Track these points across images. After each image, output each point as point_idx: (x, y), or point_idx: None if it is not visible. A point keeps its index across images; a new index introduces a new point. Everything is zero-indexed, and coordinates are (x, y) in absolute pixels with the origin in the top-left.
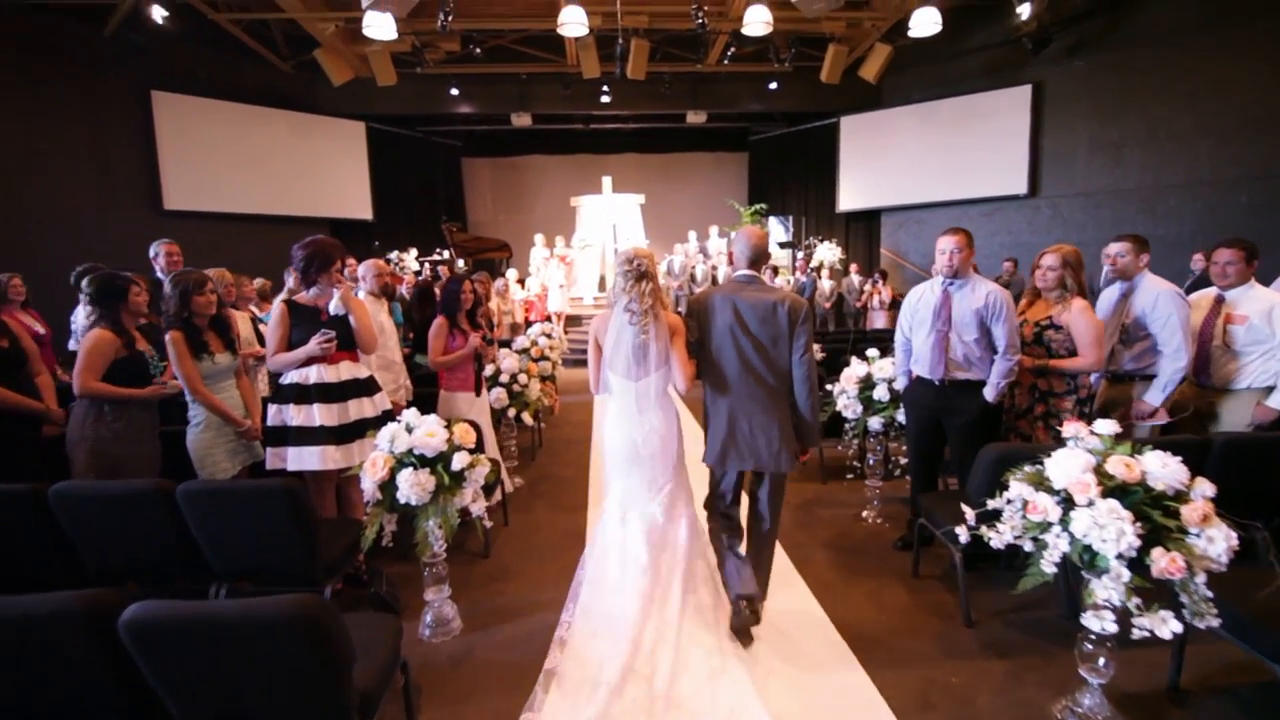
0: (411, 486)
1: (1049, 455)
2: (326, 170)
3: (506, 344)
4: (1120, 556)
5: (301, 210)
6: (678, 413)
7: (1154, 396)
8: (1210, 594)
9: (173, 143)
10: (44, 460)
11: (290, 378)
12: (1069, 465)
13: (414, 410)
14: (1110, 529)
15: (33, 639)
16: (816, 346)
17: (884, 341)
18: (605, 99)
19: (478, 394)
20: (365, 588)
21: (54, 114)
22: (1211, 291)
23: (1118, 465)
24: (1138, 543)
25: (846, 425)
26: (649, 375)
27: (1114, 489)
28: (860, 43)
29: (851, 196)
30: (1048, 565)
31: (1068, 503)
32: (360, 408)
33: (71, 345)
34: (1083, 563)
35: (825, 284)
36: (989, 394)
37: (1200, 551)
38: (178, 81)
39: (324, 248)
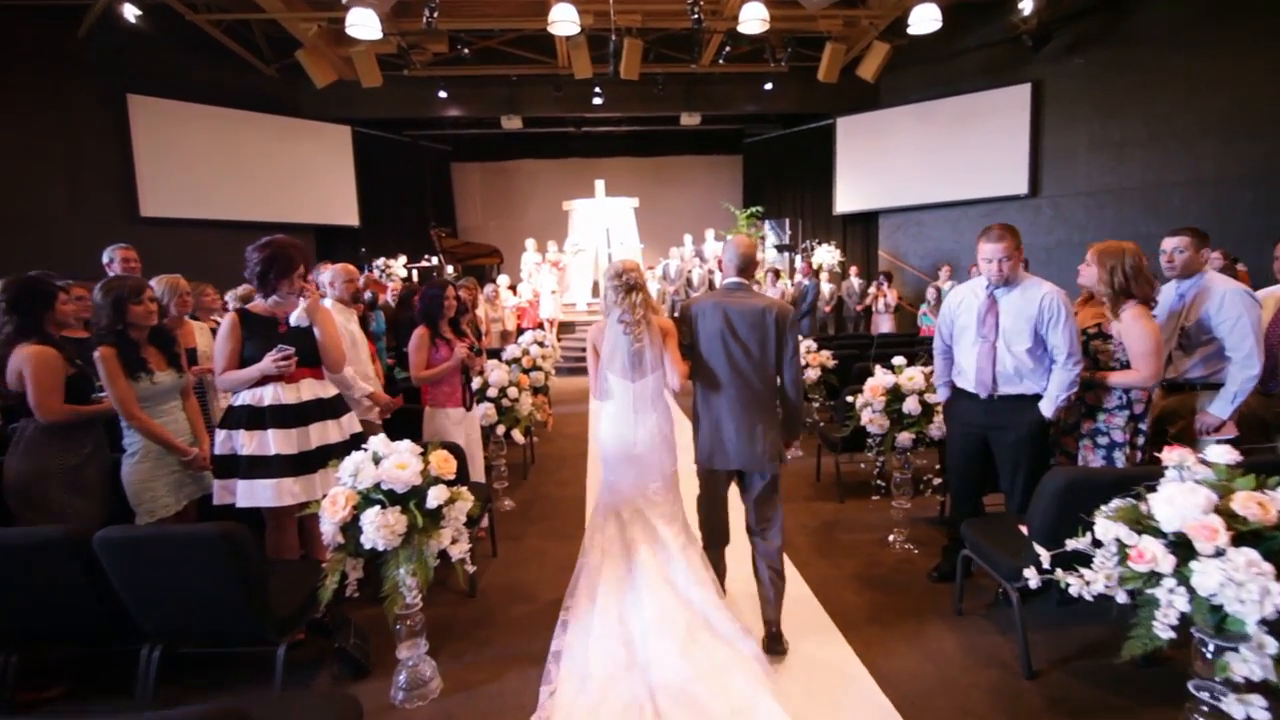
0: (378, 529)
1: (1146, 487)
2: (311, 175)
3: (496, 354)
4: (1264, 622)
5: (286, 217)
6: (672, 416)
7: (1221, 408)
8: None
9: (150, 148)
10: None
11: (242, 399)
12: (1183, 503)
13: (382, 437)
14: (1251, 588)
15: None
16: (826, 353)
17: (908, 346)
18: (597, 101)
19: (468, 409)
20: (331, 638)
21: (23, 117)
22: (1278, 290)
23: (1249, 504)
24: None
25: (870, 440)
26: (645, 377)
27: (1246, 534)
28: (857, 41)
29: (849, 198)
30: (1163, 629)
31: (1182, 549)
32: (324, 432)
33: None
34: (1207, 625)
35: (825, 287)
36: (1046, 409)
37: None
38: (155, 85)
39: (284, 249)
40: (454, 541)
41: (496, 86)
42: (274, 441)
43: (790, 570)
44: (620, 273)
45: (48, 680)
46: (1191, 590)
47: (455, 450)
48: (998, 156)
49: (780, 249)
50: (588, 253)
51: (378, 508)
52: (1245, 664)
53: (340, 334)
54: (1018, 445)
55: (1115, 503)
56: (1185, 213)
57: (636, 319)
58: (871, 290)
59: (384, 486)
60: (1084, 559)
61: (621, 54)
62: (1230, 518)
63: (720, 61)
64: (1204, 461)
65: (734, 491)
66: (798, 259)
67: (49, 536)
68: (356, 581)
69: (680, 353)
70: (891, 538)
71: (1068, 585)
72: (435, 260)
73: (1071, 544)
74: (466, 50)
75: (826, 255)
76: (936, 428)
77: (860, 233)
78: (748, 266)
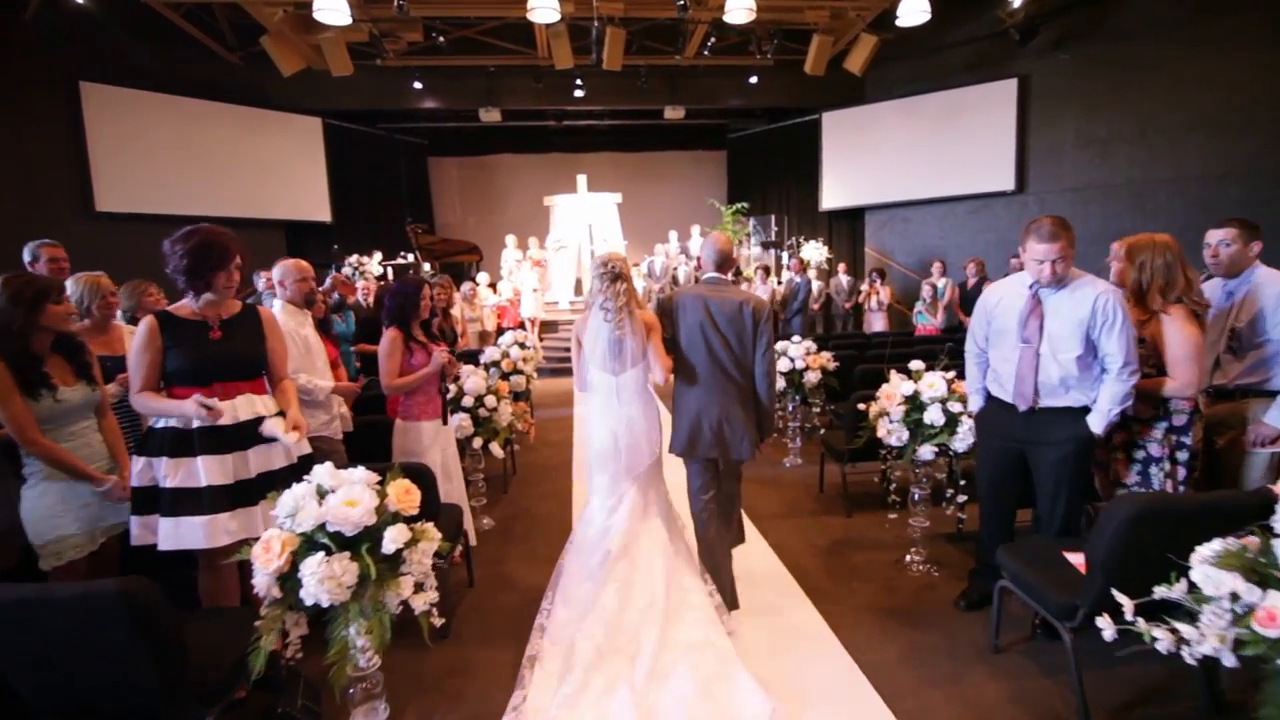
0: (321, 581)
1: (1261, 526)
2: (280, 169)
3: (473, 357)
4: None
5: (253, 212)
6: (657, 408)
7: (1277, 417)
8: None
9: (105, 139)
10: None
11: (165, 419)
12: None
13: (328, 466)
14: None
15: None
16: (827, 355)
17: (905, 346)
18: (579, 93)
19: (445, 421)
20: (278, 694)
21: None
22: None
23: None
24: None
25: (884, 452)
26: (626, 370)
27: None
28: (845, 33)
29: (834, 195)
30: None
31: None
32: (266, 457)
33: None
34: None
35: (814, 285)
36: (1095, 425)
37: None
38: (110, 72)
39: (215, 237)
40: (418, 590)
41: (474, 77)
42: (205, 471)
43: (801, 598)
44: (606, 261)
45: None
46: None
47: (422, 475)
48: (984, 152)
49: (766, 246)
50: (570, 249)
51: (321, 555)
52: None
53: (291, 341)
54: (1060, 464)
55: (1218, 544)
56: (1170, 209)
57: (619, 305)
58: (864, 288)
59: (330, 528)
60: (1169, 606)
61: (604, 43)
62: None
63: (705, 53)
64: None
65: None
66: (784, 256)
67: None
68: (301, 639)
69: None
70: (909, 558)
71: (1154, 639)
72: (411, 258)
73: (1162, 592)
74: (442, 39)
75: (814, 252)
76: (961, 439)
77: (846, 229)
78: (725, 262)
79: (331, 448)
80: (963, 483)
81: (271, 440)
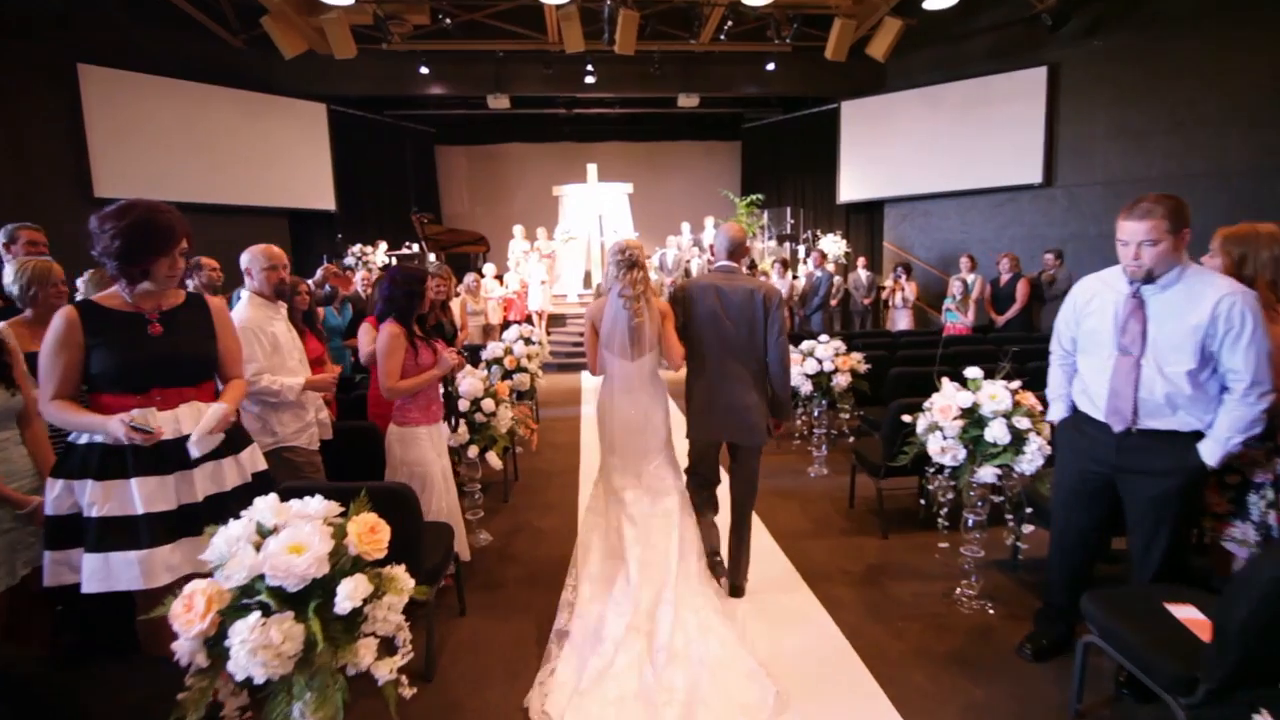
0: (254, 652)
1: None
2: (283, 156)
3: (475, 352)
4: None
5: (255, 200)
6: (667, 393)
7: None
8: None
9: (104, 123)
10: None
11: (89, 434)
12: None
13: (270, 500)
14: None
15: None
16: (858, 356)
17: (962, 345)
18: (590, 79)
19: (454, 427)
20: None
21: None
22: None
23: None
24: None
25: (932, 471)
26: (643, 355)
27: None
28: (868, 17)
29: (852, 187)
30: None
31: None
32: (216, 476)
33: None
34: None
35: (834, 279)
36: (1210, 455)
37: None
38: (109, 54)
39: (155, 216)
40: (383, 652)
41: (482, 63)
42: (141, 495)
43: (839, 640)
44: (623, 249)
45: None
46: None
47: (401, 499)
48: (1010, 144)
49: (782, 239)
50: (579, 240)
51: (256, 615)
52: None
53: (255, 338)
54: (1162, 501)
55: None
56: (1209, 205)
57: (636, 294)
58: (887, 283)
59: (269, 582)
60: None
61: (616, 26)
62: None
63: (721, 38)
64: None
65: None
66: (800, 249)
67: None
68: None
69: (677, 333)
70: (959, 591)
71: None
72: (417, 248)
73: None
74: (449, 22)
75: (832, 246)
76: (1029, 460)
77: (864, 223)
78: (737, 250)
79: (305, 460)
80: (1029, 510)
81: (225, 456)
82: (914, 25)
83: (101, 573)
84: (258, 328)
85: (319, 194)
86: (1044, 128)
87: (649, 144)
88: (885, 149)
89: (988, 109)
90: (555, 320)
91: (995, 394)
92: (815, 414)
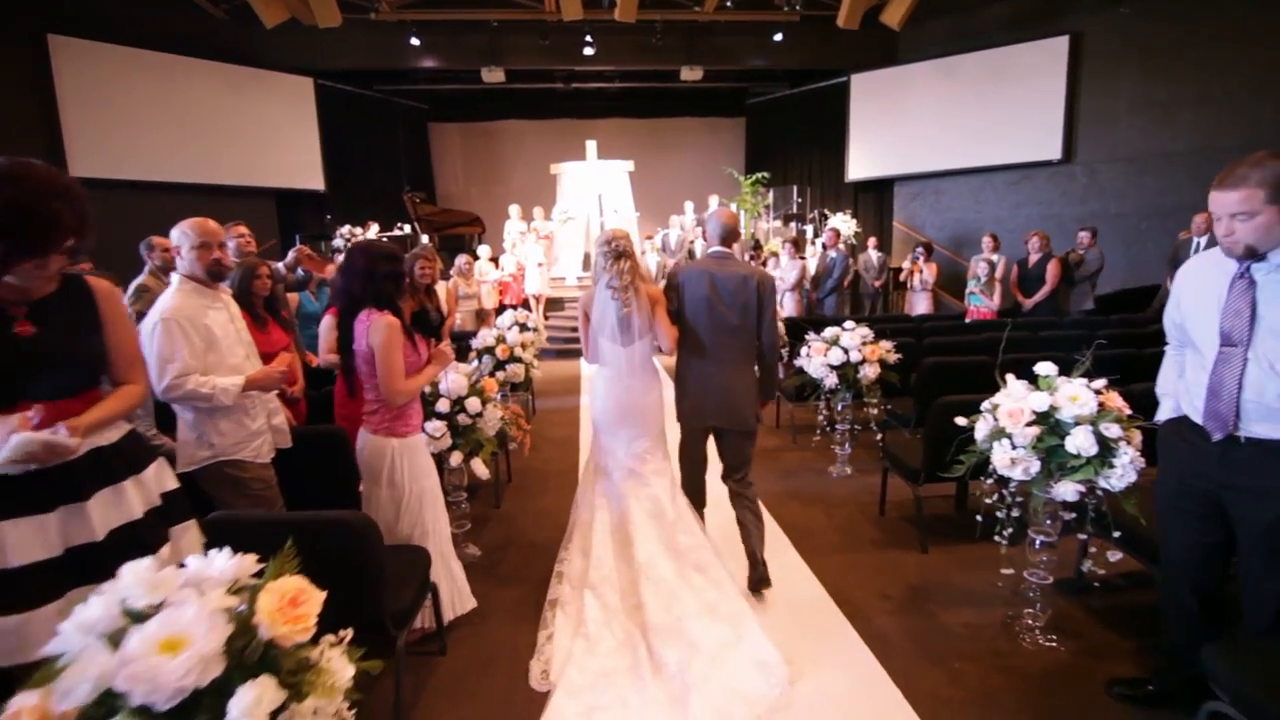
0: None
1: None
2: (269, 133)
3: (465, 340)
4: None
5: (239, 179)
6: (660, 379)
7: None
8: None
9: (78, 97)
10: None
11: None
12: None
13: (140, 568)
14: None
15: None
16: (887, 344)
17: (989, 330)
18: (589, 51)
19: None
20: None
21: None
22: None
23: None
24: None
25: (991, 481)
26: (634, 342)
27: None
28: None
29: (861, 164)
30: None
31: None
32: (115, 504)
33: None
34: None
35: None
36: None
37: None
38: (82, 25)
39: (31, 203)
40: None
41: (476, 33)
42: (12, 543)
43: (887, 687)
44: (609, 240)
45: None
46: None
47: (358, 533)
48: (1028, 117)
49: (788, 219)
50: (578, 220)
51: None
52: None
53: (181, 332)
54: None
55: None
56: None
57: (624, 285)
58: (906, 265)
59: (130, 700)
60: None
61: None
62: None
63: (728, 5)
64: None
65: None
66: (808, 230)
67: None
68: None
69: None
70: (1029, 621)
71: None
72: (409, 229)
73: None
74: None
75: (842, 225)
76: (1120, 475)
77: (873, 202)
78: (730, 236)
79: (253, 476)
80: (1117, 534)
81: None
82: None
83: None
84: (186, 319)
85: (307, 173)
86: (1064, 100)
87: (650, 120)
88: (896, 124)
89: (1005, 81)
90: (553, 304)
91: (1077, 395)
92: (839, 408)
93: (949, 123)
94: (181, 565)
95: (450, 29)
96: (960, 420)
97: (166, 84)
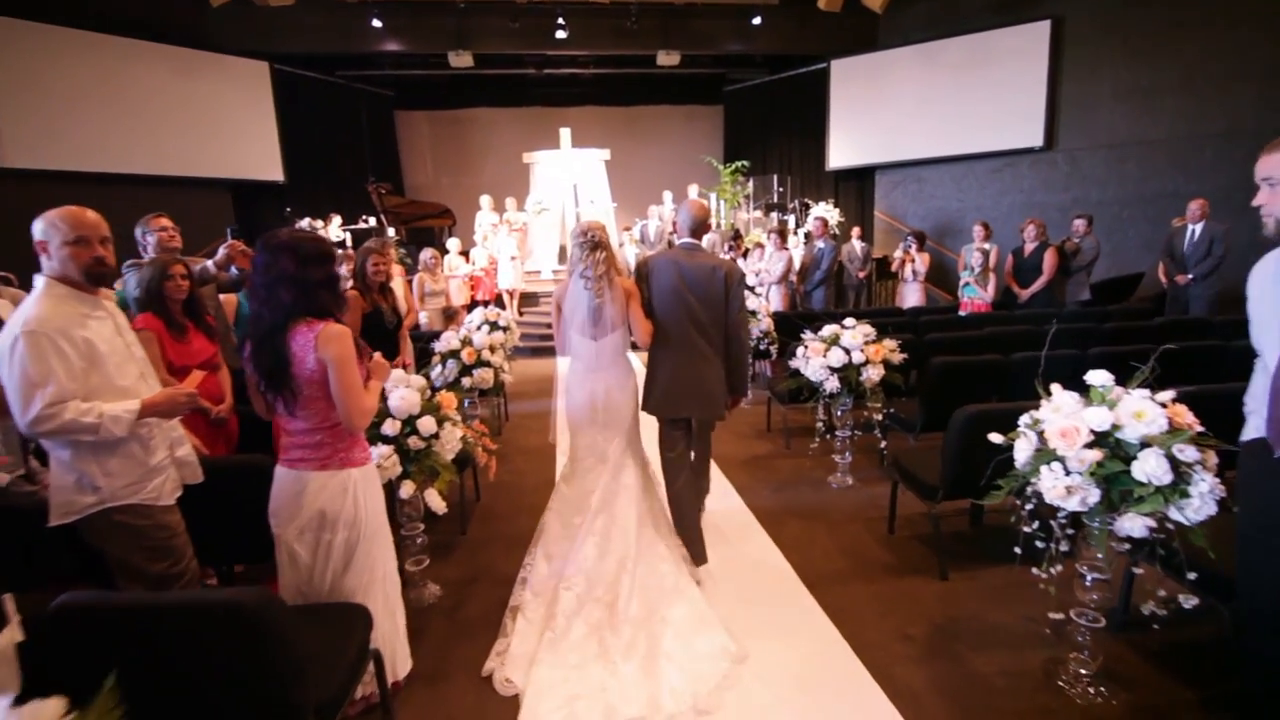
0: None
1: None
2: (222, 121)
3: (427, 343)
4: None
5: (191, 170)
6: (634, 372)
7: None
8: None
9: (9, 82)
10: None
11: None
12: None
13: None
14: None
15: None
16: (891, 344)
17: (989, 324)
18: (561, 34)
19: None
20: None
21: None
22: None
23: None
24: None
25: (1031, 503)
26: (606, 335)
27: None
28: None
29: (842, 153)
30: None
31: None
32: None
33: None
34: None
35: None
36: None
37: None
38: (15, 3)
39: None
40: None
41: (441, 15)
42: None
43: None
44: (585, 230)
45: None
46: None
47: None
48: (1010, 104)
49: (769, 209)
50: (553, 212)
51: None
52: None
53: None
54: None
55: None
56: (1219, 168)
57: (598, 274)
58: (897, 255)
59: None
60: None
61: None
62: None
63: None
64: None
65: None
66: (790, 219)
67: None
68: None
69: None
70: (1064, 662)
71: None
72: (374, 221)
73: None
74: None
75: (828, 214)
76: (1196, 507)
77: (853, 190)
78: (699, 228)
79: (152, 524)
80: (1192, 577)
81: None
82: None
83: None
84: (58, 331)
85: (265, 163)
86: (1045, 86)
87: (626, 108)
88: (877, 111)
89: (987, 66)
90: (527, 299)
91: (1143, 411)
92: (839, 413)
93: (930, 109)
94: None
95: (414, 10)
96: (995, 437)
97: (107, 67)
